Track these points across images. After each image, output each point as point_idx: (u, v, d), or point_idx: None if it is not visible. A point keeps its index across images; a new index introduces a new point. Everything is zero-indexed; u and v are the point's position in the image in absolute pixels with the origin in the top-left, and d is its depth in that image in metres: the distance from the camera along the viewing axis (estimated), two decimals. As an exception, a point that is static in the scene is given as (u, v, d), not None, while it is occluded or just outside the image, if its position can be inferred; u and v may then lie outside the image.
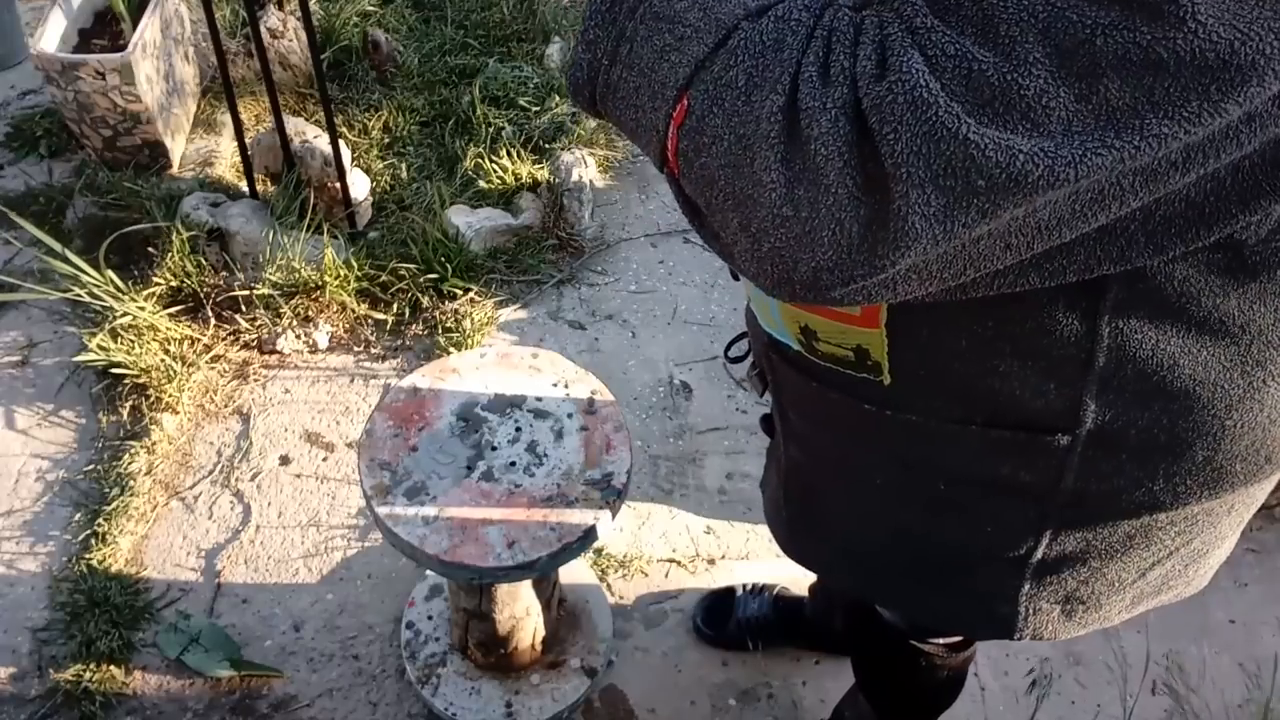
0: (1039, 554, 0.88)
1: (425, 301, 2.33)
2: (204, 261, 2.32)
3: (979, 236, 0.56)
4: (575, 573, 1.88)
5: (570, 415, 1.47)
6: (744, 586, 1.87)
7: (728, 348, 1.19)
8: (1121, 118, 0.50)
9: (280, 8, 2.78)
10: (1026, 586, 0.91)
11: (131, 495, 1.99)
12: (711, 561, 1.98)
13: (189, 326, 2.26)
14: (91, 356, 2.14)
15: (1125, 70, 0.49)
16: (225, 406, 2.18)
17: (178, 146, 2.59)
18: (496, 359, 1.54)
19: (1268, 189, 0.59)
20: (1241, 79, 0.49)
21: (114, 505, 1.96)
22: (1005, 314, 0.71)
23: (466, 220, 2.43)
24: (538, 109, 2.72)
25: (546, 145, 2.65)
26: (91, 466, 2.05)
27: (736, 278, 0.98)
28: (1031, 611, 0.93)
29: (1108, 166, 0.51)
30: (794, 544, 1.12)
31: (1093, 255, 0.62)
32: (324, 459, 2.11)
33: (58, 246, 2.14)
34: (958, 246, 0.56)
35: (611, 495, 1.39)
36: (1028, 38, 0.50)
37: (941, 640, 1.29)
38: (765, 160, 0.56)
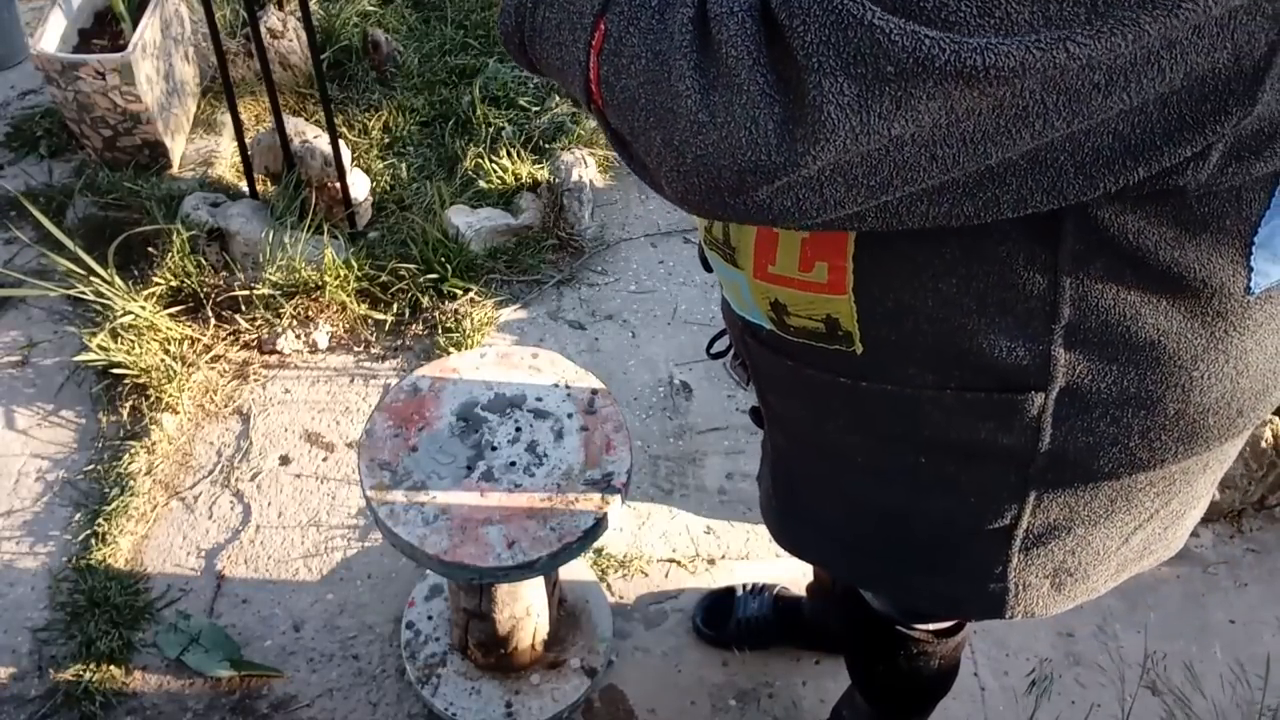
0: (1024, 523, 0.88)
1: (425, 301, 2.34)
2: (204, 261, 2.32)
3: (902, 140, 0.58)
4: (575, 573, 1.88)
5: (570, 415, 1.47)
6: (744, 586, 1.88)
7: (710, 344, 1.19)
8: (1024, 25, 0.53)
9: (280, 8, 2.78)
10: (1015, 560, 0.92)
11: (131, 495, 1.99)
12: (711, 561, 1.98)
13: (189, 326, 2.26)
14: (91, 356, 2.14)
15: None
16: (225, 406, 2.18)
17: (178, 146, 2.59)
18: (496, 359, 1.54)
19: (1190, 122, 0.60)
20: None
21: (114, 505, 1.96)
22: (968, 271, 0.73)
23: (466, 220, 2.43)
24: (538, 109, 2.72)
25: (546, 145, 2.65)
26: (91, 466, 2.05)
27: (709, 268, 0.99)
28: (1022, 587, 0.94)
29: (1016, 58, 0.53)
30: (785, 533, 1.13)
31: (1024, 185, 0.63)
32: (324, 459, 2.11)
33: (69, 243, 2.14)
34: (880, 148, 0.58)
35: (611, 495, 1.39)
36: None
37: (931, 626, 1.30)
38: (680, 70, 0.59)
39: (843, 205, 0.62)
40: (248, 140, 2.42)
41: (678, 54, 0.59)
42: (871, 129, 0.56)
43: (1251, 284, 0.72)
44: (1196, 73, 0.57)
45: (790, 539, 1.13)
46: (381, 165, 2.63)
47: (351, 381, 2.25)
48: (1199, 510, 0.98)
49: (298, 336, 2.28)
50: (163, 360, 2.15)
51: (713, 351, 1.19)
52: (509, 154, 2.59)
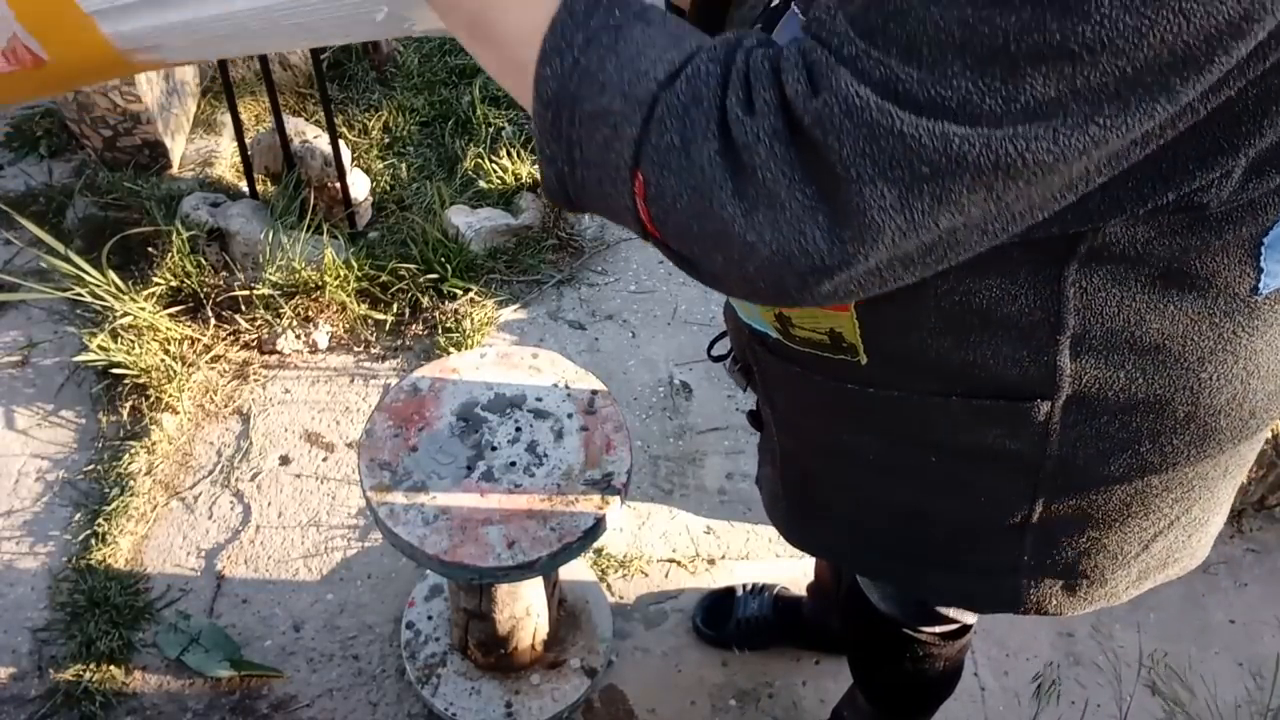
0: (1035, 524, 0.89)
1: (425, 301, 2.34)
2: (204, 261, 2.32)
3: (954, 229, 0.59)
4: (575, 573, 1.88)
5: (570, 415, 1.47)
6: (744, 586, 1.88)
7: (710, 346, 1.20)
8: (1050, 108, 0.53)
9: (280, 8, 2.77)
10: (1026, 558, 0.92)
11: (131, 495, 1.99)
12: (711, 561, 1.98)
13: (189, 326, 2.26)
14: (91, 356, 2.14)
15: (1043, 65, 0.52)
16: (225, 406, 2.18)
17: (178, 146, 2.59)
18: (496, 359, 1.54)
19: (1225, 146, 0.61)
20: (1156, 60, 0.51)
21: (114, 505, 1.96)
22: (969, 286, 0.73)
23: (466, 220, 2.43)
24: (538, 109, 2.72)
25: (546, 145, 2.64)
26: (91, 466, 2.05)
27: None
28: (1034, 584, 0.94)
29: (1047, 140, 0.53)
30: (795, 532, 1.13)
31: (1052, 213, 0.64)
32: (324, 459, 2.11)
33: (60, 248, 2.14)
34: (933, 237, 0.59)
35: (611, 495, 1.39)
36: (947, 55, 0.53)
37: (937, 629, 1.29)
38: (720, 199, 0.61)
39: (903, 280, 0.64)
40: (248, 140, 2.42)
41: (714, 186, 0.61)
42: (917, 224, 0.58)
43: (1260, 284, 0.72)
44: (1228, 101, 0.57)
45: (800, 536, 1.13)
46: (381, 165, 2.63)
47: (351, 381, 2.25)
48: (1221, 516, 0.98)
49: (298, 336, 2.28)
50: (163, 360, 2.15)
51: (714, 354, 1.19)
52: (509, 154, 2.59)
